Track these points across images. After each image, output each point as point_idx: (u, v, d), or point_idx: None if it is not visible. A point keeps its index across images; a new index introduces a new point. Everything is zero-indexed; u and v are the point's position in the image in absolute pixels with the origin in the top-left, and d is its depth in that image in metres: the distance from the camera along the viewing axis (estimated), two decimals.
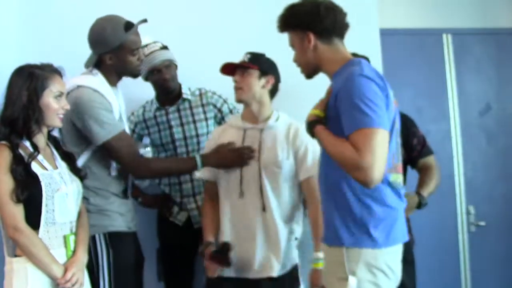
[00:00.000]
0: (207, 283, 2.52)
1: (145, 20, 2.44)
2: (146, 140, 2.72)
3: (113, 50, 2.37)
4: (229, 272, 2.44)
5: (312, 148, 2.46)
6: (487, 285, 3.65)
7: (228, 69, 2.50)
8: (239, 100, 2.51)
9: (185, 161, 2.63)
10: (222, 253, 2.38)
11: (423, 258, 3.51)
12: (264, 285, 2.42)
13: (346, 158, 1.76)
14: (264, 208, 2.42)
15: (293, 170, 2.48)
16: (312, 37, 1.97)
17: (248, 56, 2.49)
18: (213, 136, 2.64)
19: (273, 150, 2.46)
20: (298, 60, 2.07)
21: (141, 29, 2.73)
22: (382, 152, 1.75)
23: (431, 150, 2.81)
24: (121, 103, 2.49)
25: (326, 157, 1.93)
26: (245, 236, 2.43)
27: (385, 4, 3.43)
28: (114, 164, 2.40)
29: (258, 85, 2.47)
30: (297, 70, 2.10)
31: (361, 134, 1.74)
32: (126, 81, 2.58)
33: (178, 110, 2.85)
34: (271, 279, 2.42)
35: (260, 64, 2.48)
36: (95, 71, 2.40)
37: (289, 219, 2.49)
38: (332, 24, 1.97)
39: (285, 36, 2.11)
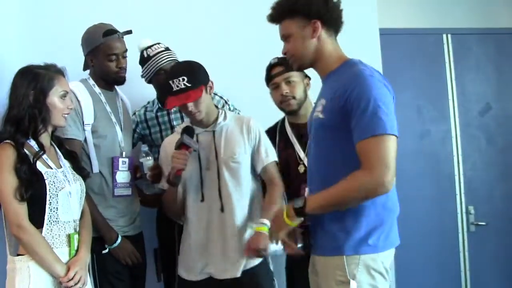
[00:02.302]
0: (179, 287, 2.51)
1: (130, 31, 2.56)
2: (145, 147, 2.70)
3: (92, 52, 2.51)
4: (197, 275, 2.43)
5: (264, 137, 2.52)
6: (487, 285, 3.66)
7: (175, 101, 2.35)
8: (200, 121, 2.42)
9: (109, 229, 2.47)
10: (188, 135, 2.33)
11: (423, 258, 3.52)
12: (232, 285, 2.40)
13: (361, 188, 1.74)
14: (222, 209, 2.41)
15: (250, 164, 2.49)
16: (319, 25, 1.88)
17: (184, 78, 2.31)
18: (163, 147, 2.56)
19: (229, 147, 2.44)
20: (293, 50, 1.95)
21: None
22: (392, 158, 1.73)
23: None
24: (116, 106, 2.60)
25: (324, 166, 1.89)
26: (208, 238, 2.42)
27: (385, 4, 3.44)
28: (95, 161, 2.45)
29: (208, 98, 2.43)
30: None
31: (373, 142, 1.72)
32: (127, 82, 2.61)
33: (180, 111, 2.85)
34: (239, 279, 2.39)
35: (200, 79, 2.37)
36: (88, 76, 2.57)
37: (252, 219, 2.46)
38: (337, 17, 1.91)
39: None
